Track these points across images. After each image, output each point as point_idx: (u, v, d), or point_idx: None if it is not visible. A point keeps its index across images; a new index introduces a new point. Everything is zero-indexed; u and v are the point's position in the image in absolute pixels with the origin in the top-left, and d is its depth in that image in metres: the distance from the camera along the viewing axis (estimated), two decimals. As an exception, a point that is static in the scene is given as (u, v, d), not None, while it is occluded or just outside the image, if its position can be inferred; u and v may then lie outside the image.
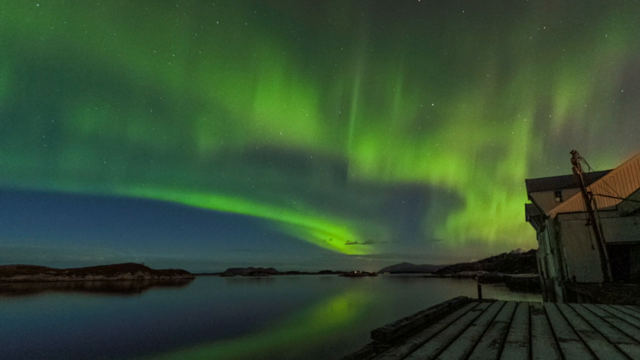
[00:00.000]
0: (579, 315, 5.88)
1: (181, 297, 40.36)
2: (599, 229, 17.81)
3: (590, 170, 19.66)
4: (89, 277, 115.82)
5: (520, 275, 71.38)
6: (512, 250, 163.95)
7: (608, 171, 21.74)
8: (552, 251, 22.02)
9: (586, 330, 4.39)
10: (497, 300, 8.85)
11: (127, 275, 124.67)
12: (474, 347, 3.41)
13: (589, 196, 18.44)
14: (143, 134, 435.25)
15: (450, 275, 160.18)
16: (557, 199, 25.13)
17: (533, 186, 27.30)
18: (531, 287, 44.81)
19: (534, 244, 35.82)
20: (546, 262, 26.23)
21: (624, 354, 3.09)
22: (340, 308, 26.60)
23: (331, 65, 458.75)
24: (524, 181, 28.76)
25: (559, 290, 20.40)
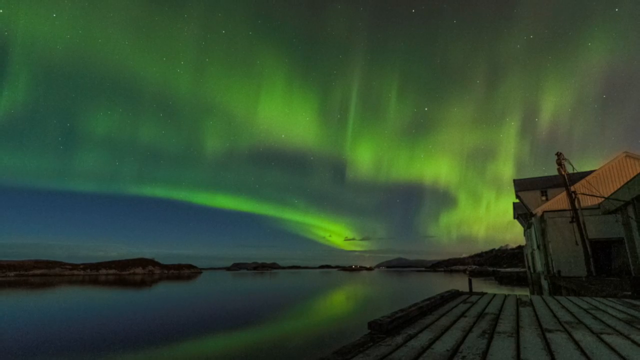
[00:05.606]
0: (563, 307, 5.88)
1: (189, 290, 40.37)
2: (582, 226, 17.80)
3: (575, 171, 19.64)
4: (103, 271, 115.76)
5: (509, 269, 71.43)
6: (501, 246, 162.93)
7: (591, 172, 21.71)
8: (538, 247, 22.01)
9: (570, 321, 4.39)
10: (486, 293, 8.84)
11: (139, 270, 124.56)
12: (465, 337, 3.41)
13: (573, 195, 18.43)
14: (153, 137, 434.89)
15: (442, 269, 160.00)
16: (543, 198, 25.09)
17: (520, 186, 27.27)
18: (519, 280, 44.77)
19: (522, 240, 35.77)
20: (533, 258, 26.22)
21: (606, 343, 3.09)
22: (338, 300, 26.59)
23: (330, 72, 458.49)
24: (512, 181, 28.73)
25: (544, 283, 20.39)
